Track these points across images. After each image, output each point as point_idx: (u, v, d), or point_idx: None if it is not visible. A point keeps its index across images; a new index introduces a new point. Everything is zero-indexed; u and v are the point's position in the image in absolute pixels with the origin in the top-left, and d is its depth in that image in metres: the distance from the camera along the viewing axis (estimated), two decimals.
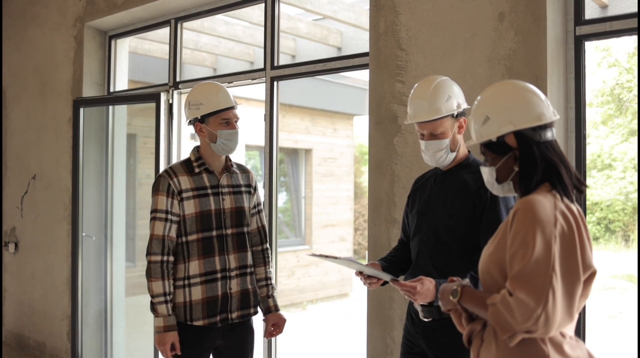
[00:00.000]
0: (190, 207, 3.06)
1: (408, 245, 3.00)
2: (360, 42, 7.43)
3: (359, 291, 12.66)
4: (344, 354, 8.06)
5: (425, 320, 2.75)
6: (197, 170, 3.13)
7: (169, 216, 3.05)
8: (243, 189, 3.24)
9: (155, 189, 3.08)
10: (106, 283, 5.68)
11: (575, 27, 3.23)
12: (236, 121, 3.12)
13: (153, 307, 3.03)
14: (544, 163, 2.06)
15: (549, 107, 2.12)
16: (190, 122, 3.17)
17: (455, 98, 2.72)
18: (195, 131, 3.15)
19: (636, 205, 14.25)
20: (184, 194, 3.06)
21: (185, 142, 5.36)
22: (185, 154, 5.28)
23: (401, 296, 3.62)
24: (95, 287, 5.70)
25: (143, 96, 5.55)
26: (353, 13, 6.51)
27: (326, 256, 2.72)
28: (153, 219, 3.06)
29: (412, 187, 3.03)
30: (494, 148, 2.15)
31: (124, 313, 5.76)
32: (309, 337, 8.90)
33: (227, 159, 3.24)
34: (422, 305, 2.73)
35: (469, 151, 2.84)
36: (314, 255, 2.77)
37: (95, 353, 5.67)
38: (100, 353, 5.67)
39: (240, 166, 3.32)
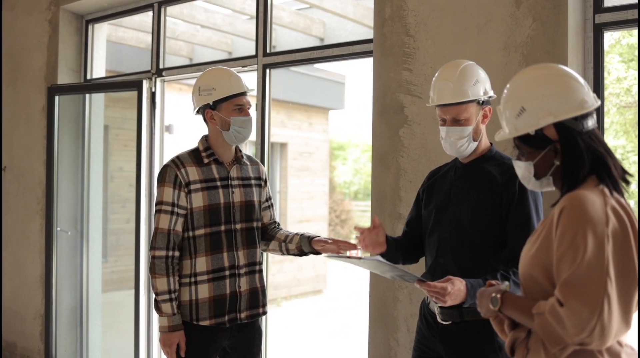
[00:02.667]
0: (198, 200, 2.87)
1: (413, 238, 2.83)
2: (343, 32, 7.27)
3: (333, 288, 12.55)
4: (327, 351, 7.94)
5: (444, 322, 2.58)
6: (205, 161, 2.94)
7: (176, 209, 2.85)
8: (253, 182, 3.06)
9: (162, 180, 2.88)
10: (81, 280, 5.46)
11: (594, 15, 3.08)
12: (249, 108, 2.95)
13: (157, 305, 2.84)
14: (590, 155, 1.87)
15: (589, 93, 1.92)
16: (198, 111, 2.98)
17: (483, 84, 2.55)
18: (206, 119, 2.96)
19: None
20: (192, 186, 2.87)
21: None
22: (167, 146, 5.06)
23: (406, 296, 3.45)
24: (69, 284, 5.46)
25: (124, 83, 5.28)
26: (339, 2, 6.34)
27: (347, 258, 2.51)
28: (158, 212, 2.85)
29: (426, 181, 2.84)
30: (530, 141, 1.94)
31: (100, 310, 5.55)
32: (287, 334, 8.73)
33: (237, 149, 3.06)
34: (440, 307, 2.56)
35: (490, 143, 2.67)
36: (331, 256, 2.55)
37: (70, 353, 5.43)
38: (75, 353, 5.44)
39: (250, 158, 3.13)
